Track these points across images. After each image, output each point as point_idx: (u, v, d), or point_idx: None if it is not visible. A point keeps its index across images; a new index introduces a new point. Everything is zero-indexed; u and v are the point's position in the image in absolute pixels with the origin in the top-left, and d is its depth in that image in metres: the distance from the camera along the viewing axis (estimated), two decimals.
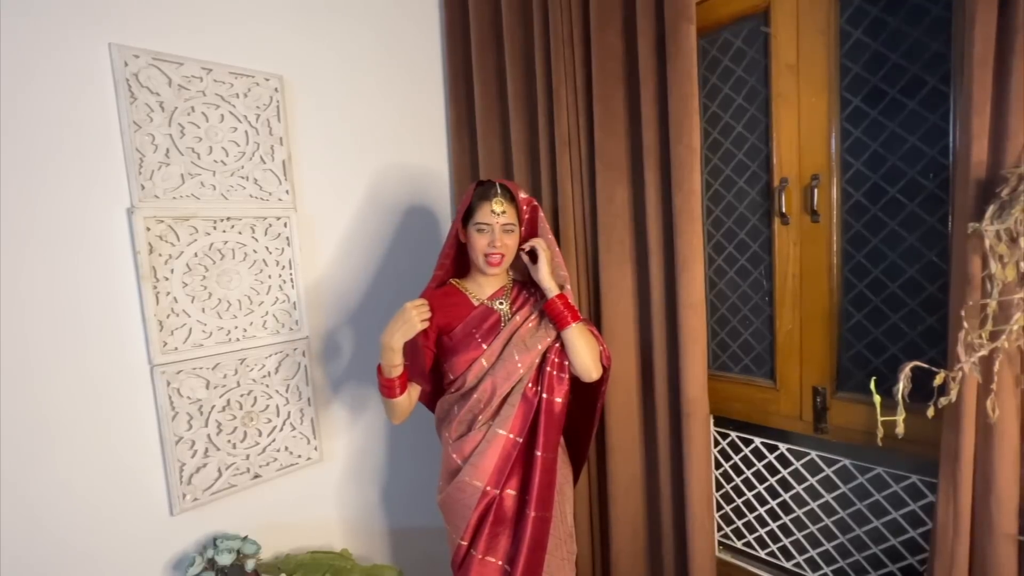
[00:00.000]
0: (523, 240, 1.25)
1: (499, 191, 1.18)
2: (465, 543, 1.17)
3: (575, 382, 1.23)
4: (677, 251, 1.24)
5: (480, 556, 1.15)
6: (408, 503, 1.77)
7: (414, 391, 1.26)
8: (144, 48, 1.18)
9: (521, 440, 1.17)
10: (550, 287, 1.18)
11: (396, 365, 1.16)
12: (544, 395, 1.17)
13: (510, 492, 1.18)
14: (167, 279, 1.22)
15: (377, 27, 1.63)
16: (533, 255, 1.22)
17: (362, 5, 1.59)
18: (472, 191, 1.21)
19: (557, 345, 1.19)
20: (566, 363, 1.20)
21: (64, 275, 1.12)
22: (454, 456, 1.21)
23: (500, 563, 1.16)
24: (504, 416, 1.17)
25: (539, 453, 1.16)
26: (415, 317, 1.14)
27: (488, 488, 1.15)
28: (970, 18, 0.85)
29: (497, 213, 1.17)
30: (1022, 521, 0.88)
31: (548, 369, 1.18)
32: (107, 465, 1.18)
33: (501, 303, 1.25)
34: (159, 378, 1.22)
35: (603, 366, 1.21)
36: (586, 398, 1.29)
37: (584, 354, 1.17)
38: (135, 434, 1.21)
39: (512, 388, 1.18)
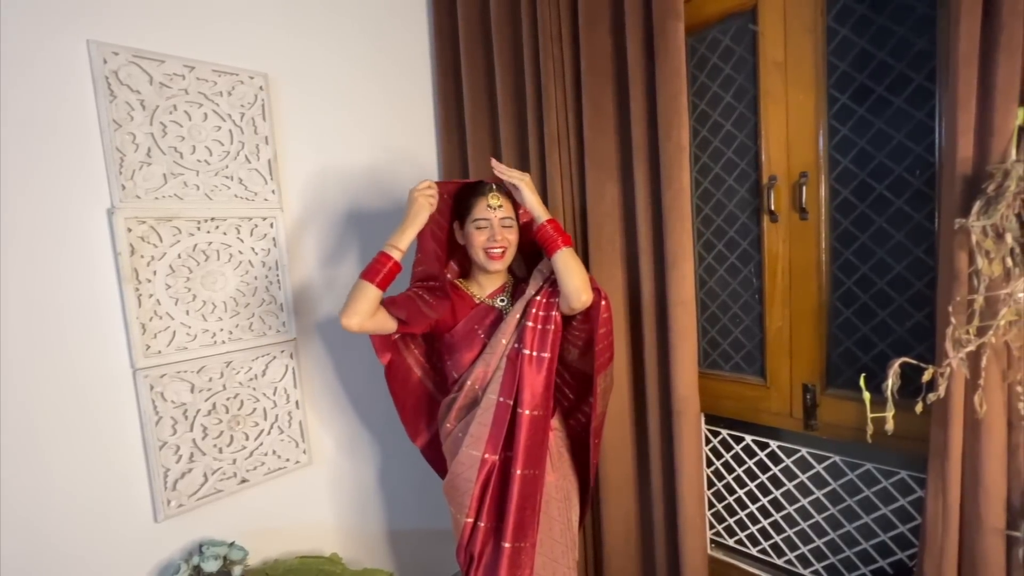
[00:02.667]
0: (524, 235, 1.25)
1: (494, 187, 1.18)
2: (471, 520, 1.15)
3: (580, 379, 1.21)
4: (667, 249, 1.24)
5: (486, 524, 1.14)
6: (399, 506, 1.75)
7: (384, 315, 1.14)
8: (124, 45, 1.16)
9: (511, 402, 1.15)
10: (539, 213, 1.14)
11: (401, 249, 1.12)
12: (525, 351, 1.14)
13: (508, 454, 1.15)
14: (150, 281, 1.20)
15: (364, 24, 1.61)
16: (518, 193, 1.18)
17: (349, 2, 1.57)
18: (457, 185, 1.21)
19: (538, 298, 1.17)
20: (552, 313, 1.15)
21: (43, 278, 1.09)
22: (457, 434, 1.20)
23: (493, 523, 1.15)
24: (495, 381, 1.16)
25: (521, 411, 1.13)
26: (419, 198, 1.13)
27: (487, 456, 1.13)
28: (955, 16, 0.86)
29: (494, 207, 1.16)
30: (1010, 515, 0.89)
31: (528, 323, 1.15)
32: (89, 471, 1.15)
33: (502, 300, 1.26)
34: (142, 382, 1.19)
35: (595, 288, 1.15)
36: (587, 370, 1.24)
37: (575, 275, 1.11)
38: (118, 439, 1.19)
39: (499, 360, 1.17)
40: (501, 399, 1.15)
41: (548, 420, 1.17)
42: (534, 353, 1.14)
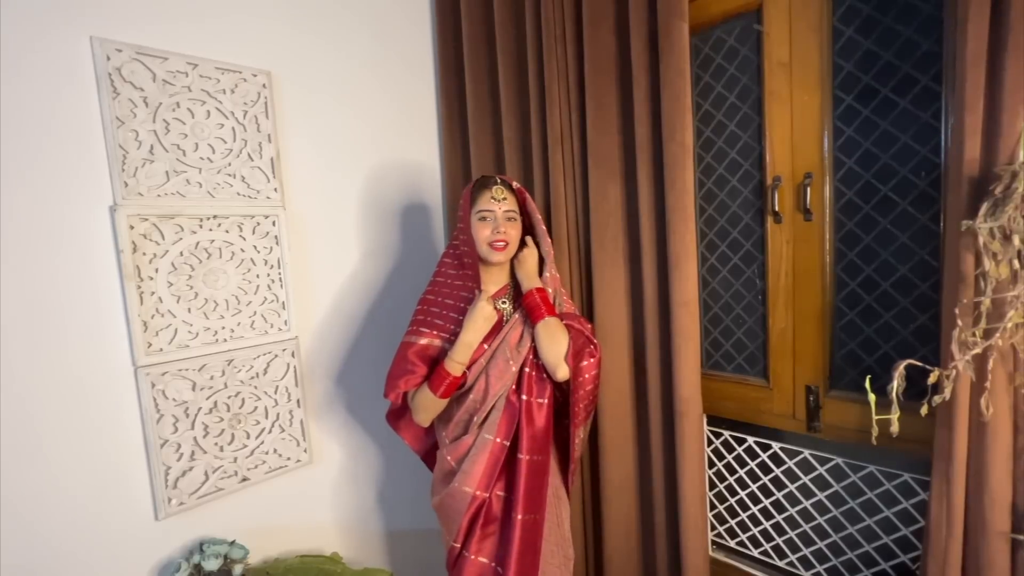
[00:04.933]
0: (524, 232, 1.26)
1: (498, 181, 1.20)
2: (458, 544, 1.18)
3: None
4: (670, 249, 1.23)
5: (472, 556, 1.16)
6: (400, 505, 1.75)
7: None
8: (127, 42, 1.15)
9: (507, 444, 1.17)
10: (527, 280, 1.19)
11: (462, 363, 1.15)
12: (524, 397, 1.18)
13: (499, 494, 1.18)
14: (151, 279, 1.20)
15: (368, 22, 1.61)
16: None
17: (352, 1, 1.57)
18: (470, 189, 1.21)
19: (535, 345, 1.19)
20: None
21: (45, 275, 1.09)
22: (448, 458, 1.21)
23: (492, 564, 1.16)
24: (492, 421, 1.18)
25: (521, 456, 1.16)
26: (493, 311, 1.16)
27: (478, 492, 1.16)
28: (962, 17, 0.85)
29: (498, 200, 1.17)
30: (1015, 519, 0.88)
31: (527, 370, 1.18)
32: (90, 469, 1.15)
33: (504, 302, 1.25)
34: (143, 380, 1.19)
35: (569, 365, 1.16)
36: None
37: (548, 351, 1.15)
38: (119, 437, 1.19)
39: (503, 389, 1.18)
40: (497, 440, 1.17)
41: (547, 464, 1.19)
42: (533, 400, 1.18)
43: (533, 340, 1.18)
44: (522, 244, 1.27)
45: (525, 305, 1.18)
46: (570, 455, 1.31)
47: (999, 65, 0.83)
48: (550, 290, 1.22)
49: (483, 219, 1.18)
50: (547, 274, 1.25)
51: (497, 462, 1.17)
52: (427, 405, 1.19)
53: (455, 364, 1.15)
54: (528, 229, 1.29)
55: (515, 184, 1.24)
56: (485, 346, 1.19)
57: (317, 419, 1.54)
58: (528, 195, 1.26)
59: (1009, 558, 0.89)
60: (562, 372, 1.16)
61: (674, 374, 1.26)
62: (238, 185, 1.32)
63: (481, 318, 1.14)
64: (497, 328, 1.21)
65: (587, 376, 1.18)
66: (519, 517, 1.14)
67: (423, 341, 1.22)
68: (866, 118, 1.12)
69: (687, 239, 1.22)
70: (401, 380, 1.21)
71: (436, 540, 1.81)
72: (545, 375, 1.19)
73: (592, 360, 1.18)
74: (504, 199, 1.18)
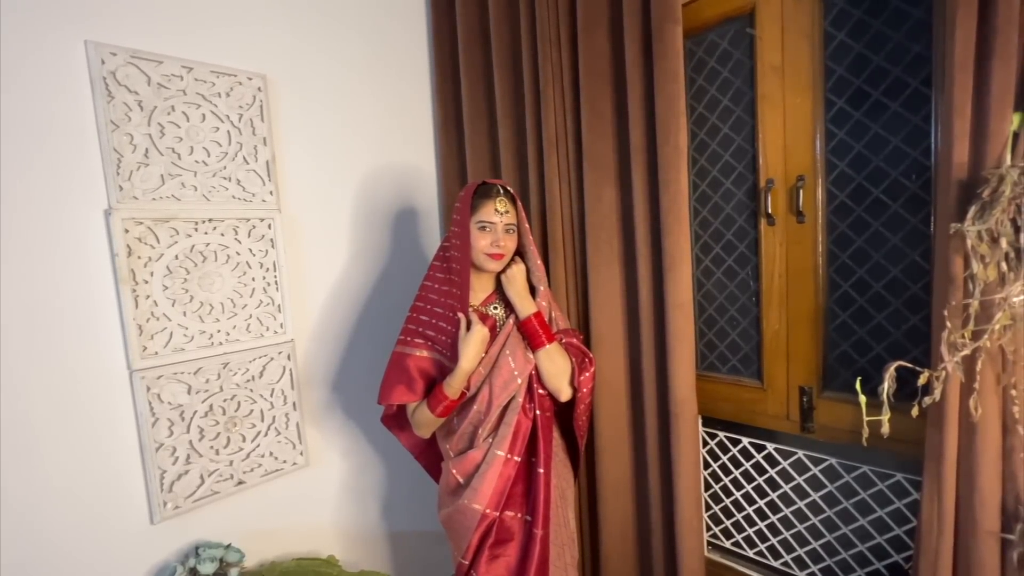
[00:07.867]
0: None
1: (501, 192, 1.18)
2: (467, 562, 1.18)
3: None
4: (665, 251, 1.24)
5: None
6: (397, 507, 1.75)
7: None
8: (122, 46, 1.15)
9: (520, 459, 1.17)
10: (522, 307, 1.19)
11: (457, 388, 1.15)
12: (538, 412, 1.19)
13: (509, 514, 1.18)
14: (147, 282, 1.20)
15: (363, 26, 1.61)
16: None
17: (348, 4, 1.57)
18: (471, 193, 1.17)
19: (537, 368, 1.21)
20: None
21: (40, 278, 1.08)
22: (454, 472, 1.21)
23: None
24: (502, 436, 1.17)
25: (541, 470, 1.16)
26: (487, 333, 1.16)
27: (488, 511, 1.16)
28: (951, 21, 0.86)
29: (501, 212, 1.17)
30: (1004, 518, 0.89)
31: (536, 387, 1.20)
32: (85, 473, 1.15)
33: (495, 307, 1.25)
34: (138, 383, 1.19)
35: (573, 387, 1.20)
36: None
37: (553, 377, 1.18)
38: (114, 441, 1.18)
39: (509, 400, 1.18)
40: (509, 456, 1.17)
41: (551, 474, 1.21)
42: (546, 413, 1.21)
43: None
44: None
45: (523, 331, 1.19)
46: (576, 465, 1.35)
47: (986, 70, 0.84)
48: (545, 304, 1.23)
49: (483, 229, 1.16)
50: (541, 288, 1.24)
51: (508, 479, 1.16)
52: (427, 422, 1.19)
53: (453, 389, 1.14)
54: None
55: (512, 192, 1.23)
56: (484, 354, 1.19)
57: (313, 422, 1.54)
58: (521, 206, 1.24)
59: (999, 557, 0.89)
60: (566, 395, 1.20)
61: (669, 375, 1.27)
62: (233, 188, 1.32)
63: (478, 343, 1.14)
64: (492, 333, 1.21)
65: (585, 390, 1.21)
66: (539, 533, 1.14)
67: (416, 353, 1.21)
68: (857, 121, 1.13)
69: (681, 241, 1.22)
70: (394, 391, 1.20)
71: (434, 542, 1.81)
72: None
73: (588, 374, 1.21)
74: (506, 212, 1.17)
